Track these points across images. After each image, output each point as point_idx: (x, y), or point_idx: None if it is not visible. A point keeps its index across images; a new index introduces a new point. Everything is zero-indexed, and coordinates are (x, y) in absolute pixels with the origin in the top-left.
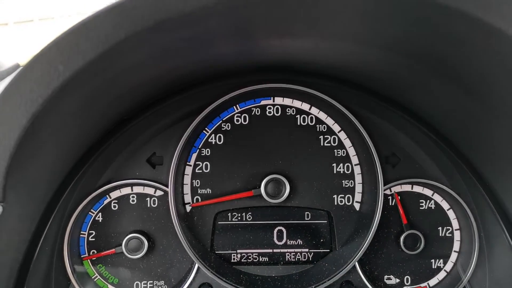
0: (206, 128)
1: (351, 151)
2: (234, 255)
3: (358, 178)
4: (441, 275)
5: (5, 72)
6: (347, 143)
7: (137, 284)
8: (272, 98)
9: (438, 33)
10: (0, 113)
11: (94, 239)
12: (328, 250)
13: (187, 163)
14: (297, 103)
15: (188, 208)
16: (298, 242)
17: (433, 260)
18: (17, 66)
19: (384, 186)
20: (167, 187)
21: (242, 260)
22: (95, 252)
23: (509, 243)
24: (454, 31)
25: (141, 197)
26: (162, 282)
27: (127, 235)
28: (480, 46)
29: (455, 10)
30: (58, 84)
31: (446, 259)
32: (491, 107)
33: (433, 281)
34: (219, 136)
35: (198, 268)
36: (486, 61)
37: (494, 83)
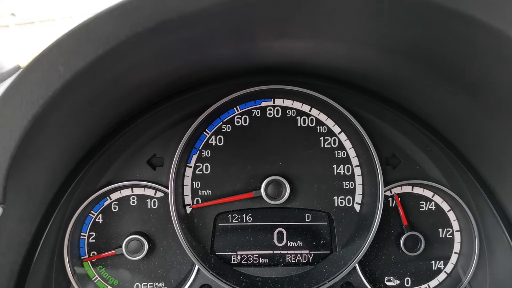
0: (206, 130)
1: (352, 153)
2: (234, 257)
3: (359, 180)
4: (442, 276)
5: (6, 74)
6: (347, 144)
7: (137, 286)
8: (272, 99)
9: (438, 34)
10: (1, 114)
11: (94, 241)
12: (328, 252)
13: (188, 164)
14: (298, 105)
15: (189, 209)
16: (298, 244)
17: (433, 262)
18: (18, 68)
19: (384, 187)
20: (168, 189)
21: (242, 262)
22: (95, 253)
23: (509, 244)
24: (453, 32)
25: (142, 198)
26: (162, 284)
27: (127, 236)
28: (480, 47)
29: (454, 11)
30: (59, 86)
31: (446, 260)
32: (491, 107)
33: (433, 283)
34: (220, 138)
35: (198, 269)
36: (487, 62)
37: (494, 83)
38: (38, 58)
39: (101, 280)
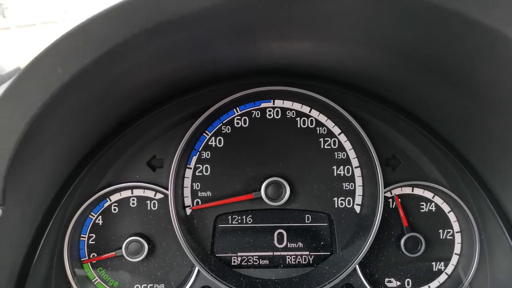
0: (206, 131)
1: (352, 154)
2: (234, 258)
3: (359, 181)
4: (442, 278)
5: (7, 76)
6: (347, 145)
7: (137, 287)
8: (272, 100)
9: (437, 35)
10: None
11: (94, 242)
12: (329, 253)
13: (187, 166)
14: (297, 106)
15: (188, 211)
16: (299, 245)
17: (434, 263)
18: (18, 69)
19: (384, 188)
20: (167, 190)
21: (242, 263)
22: (95, 255)
23: (510, 245)
24: (452, 33)
25: (141, 200)
26: (162, 286)
27: (127, 238)
28: (479, 47)
29: (452, 12)
30: (58, 87)
31: (447, 261)
32: (491, 107)
33: (434, 284)
34: (219, 139)
35: (198, 271)
36: (487, 62)
37: (494, 83)
38: (36, 60)
39: (101, 282)
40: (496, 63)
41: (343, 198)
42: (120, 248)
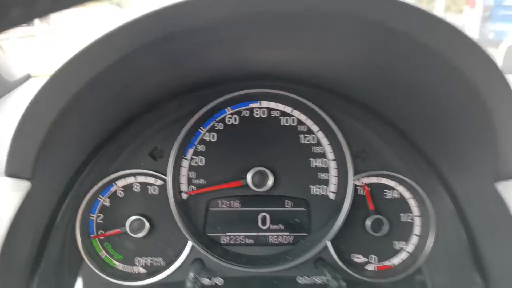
0: (201, 127)
1: (328, 149)
2: (223, 237)
3: (333, 171)
4: (404, 255)
5: (18, 82)
6: (324, 141)
7: (138, 260)
8: (259, 101)
9: (398, 56)
10: (33, 109)
11: (102, 221)
12: (306, 234)
13: (184, 157)
14: (281, 106)
15: (184, 195)
16: (280, 227)
17: (396, 242)
18: (28, 76)
19: (354, 177)
20: (166, 177)
21: (230, 242)
22: (103, 232)
23: (460, 226)
24: (408, 54)
25: (144, 185)
26: (160, 258)
27: (131, 217)
28: (430, 68)
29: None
30: (86, 82)
31: (407, 241)
32: (445, 111)
33: (396, 261)
34: (213, 134)
35: (192, 246)
36: (431, 77)
37: (439, 92)
38: (67, 63)
39: (108, 255)
40: (439, 76)
41: (319, 186)
42: (124, 225)
